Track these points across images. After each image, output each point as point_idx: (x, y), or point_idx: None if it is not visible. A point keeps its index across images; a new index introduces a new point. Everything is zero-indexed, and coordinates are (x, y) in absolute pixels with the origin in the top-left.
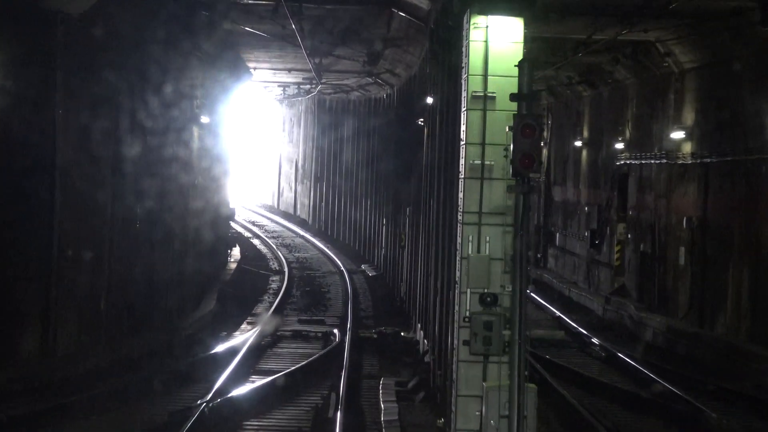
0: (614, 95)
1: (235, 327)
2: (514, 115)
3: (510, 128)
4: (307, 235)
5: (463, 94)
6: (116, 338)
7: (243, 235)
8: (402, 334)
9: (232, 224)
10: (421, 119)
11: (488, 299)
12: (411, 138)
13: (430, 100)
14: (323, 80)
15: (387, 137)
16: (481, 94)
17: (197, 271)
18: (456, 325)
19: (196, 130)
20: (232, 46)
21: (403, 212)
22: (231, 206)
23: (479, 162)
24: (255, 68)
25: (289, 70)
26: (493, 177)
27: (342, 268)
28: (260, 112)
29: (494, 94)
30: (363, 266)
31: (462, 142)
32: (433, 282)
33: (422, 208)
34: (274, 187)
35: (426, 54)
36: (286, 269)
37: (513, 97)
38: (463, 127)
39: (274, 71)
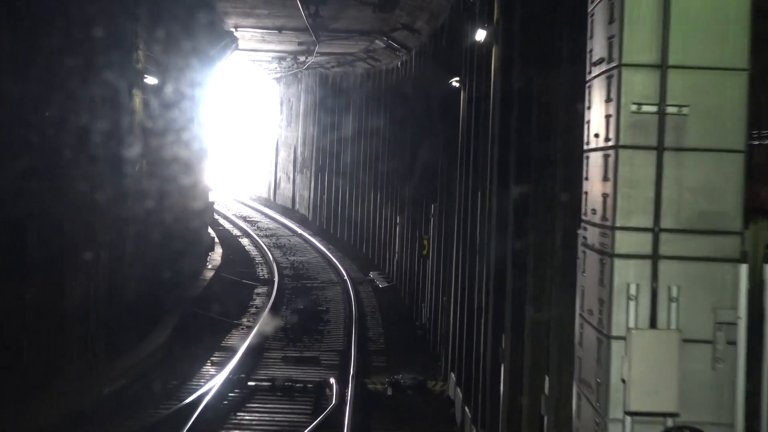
0: None
1: (193, 371)
2: None
3: None
4: (306, 234)
5: None
6: None
7: (231, 234)
8: (428, 384)
9: (220, 220)
10: (456, 78)
11: None
12: (437, 112)
13: (480, 36)
14: (322, 45)
15: (403, 116)
16: None
17: (149, 287)
18: None
19: (137, 95)
20: None
21: (424, 209)
22: (209, 200)
23: (654, 109)
24: (236, 27)
25: (280, 30)
26: (692, 147)
27: (345, 277)
28: (255, 92)
29: None
30: (371, 274)
31: (608, 65)
32: (487, 329)
33: (460, 205)
34: (270, 178)
35: None
36: (276, 278)
37: None
38: (599, 37)
39: (261, 33)
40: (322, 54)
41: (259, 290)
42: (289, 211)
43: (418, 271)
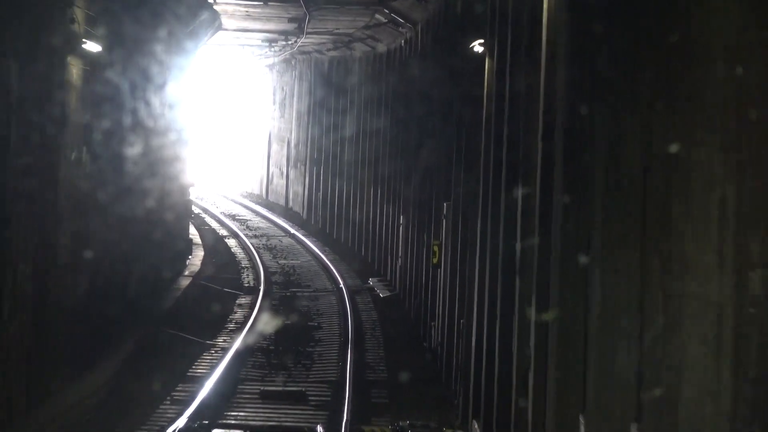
0: None
1: (145, 416)
2: None
3: None
4: (299, 234)
5: None
6: None
7: (217, 234)
8: None
9: (206, 218)
10: (478, 42)
11: None
12: (450, 92)
13: None
14: (314, 20)
15: (408, 101)
16: None
17: (100, 303)
18: None
19: (74, 65)
20: None
21: (434, 208)
22: (188, 197)
23: None
24: None
25: (266, 1)
26: None
27: (341, 285)
28: (246, 81)
29: None
30: (371, 281)
31: None
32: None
33: (485, 204)
34: (263, 173)
35: None
36: (263, 285)
37: None
38: None
39: (246, 7)
40: (315, 32)
41: (242, 300)
42: (282, 209)
43: (427, 281)
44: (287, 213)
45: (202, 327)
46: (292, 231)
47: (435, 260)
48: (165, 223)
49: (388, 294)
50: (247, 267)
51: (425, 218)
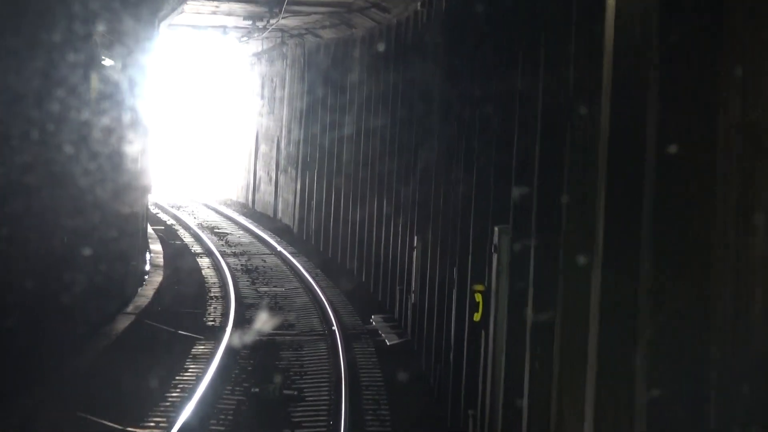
0: None
1: None
2: None
3: None
4: (287, 253)
5: None
6: None
7: (189, 251)
8: None
9: (180, 231)
10: None
11: None
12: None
13: None
14: None
15: (425, 89)
16: None
17: None
18: None
19: None
20: None
21: (471, 232)
22: (142, 208)
23: None
24: None
25: None
26: None
27: (335, 326)
28: (231, 74)
29: None
30: (374, 321)
31: None
32: None
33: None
34: (249, 179)
35: None
36: (231, 325)
37: None
38: None
39: None
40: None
41: (198, 350)
42: (269, 221)
43: (458, 339)
44: (275, 226)
45: (128, 402)
46: (279, 248)
47: (477, 316)
48: (98, 244)
49: (397, 341)
50: (216, 297)
51: (454, 243)
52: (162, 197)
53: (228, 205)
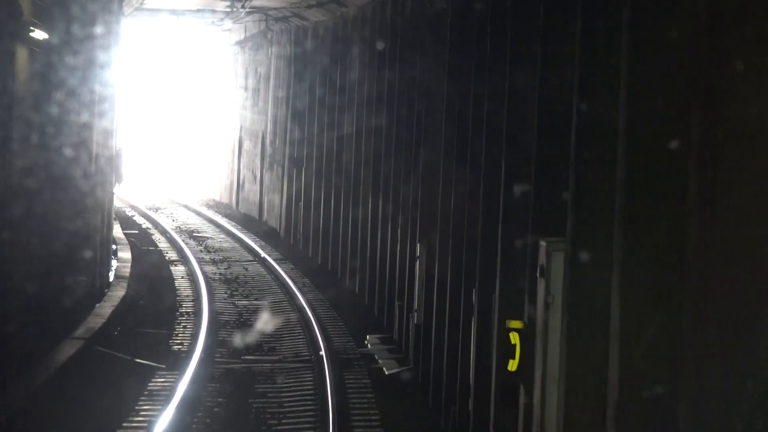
0: None
1: None
2: None
3: None
4: (271, 260)
5: None
6: None
7: (163, 258)
8: None
9: (155, 236)
10: None
11: None
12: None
13: None
14: None
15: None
16: None
17: None
18: None
19: None
20: None
21: (500, 246)
22: (100, 218)
23: None
24: None
25: None
26: None
27: (322, 351)
28: (213, 64)
29: None
30: (370, 343)
31: None
32: None
33: None
34: (232, 178)
35: None
36: (200, 350)
37: None
38: None
39: None
40: None
41: (157, 384)
42: (254, 223)
43: (483, 383)
44: (260, 229)
45: None
46: (263, 254)
47: (513, 365)
48: (36, 249)
49: (397, 369)
50: (187, 314)
51: (472, 257)
52: (138, 198)
53: (211, 206)
